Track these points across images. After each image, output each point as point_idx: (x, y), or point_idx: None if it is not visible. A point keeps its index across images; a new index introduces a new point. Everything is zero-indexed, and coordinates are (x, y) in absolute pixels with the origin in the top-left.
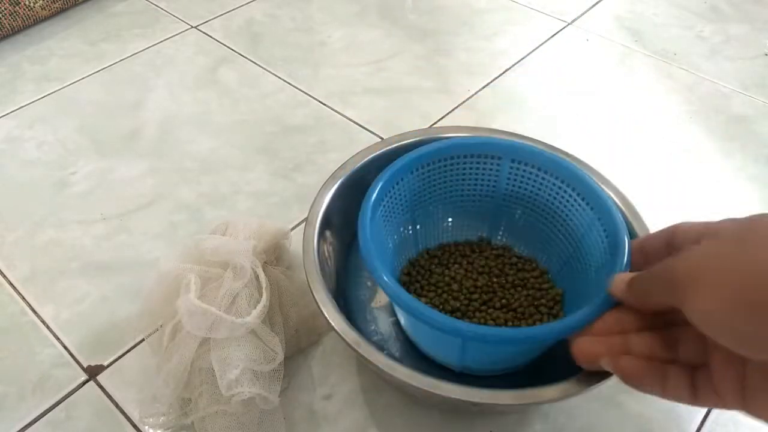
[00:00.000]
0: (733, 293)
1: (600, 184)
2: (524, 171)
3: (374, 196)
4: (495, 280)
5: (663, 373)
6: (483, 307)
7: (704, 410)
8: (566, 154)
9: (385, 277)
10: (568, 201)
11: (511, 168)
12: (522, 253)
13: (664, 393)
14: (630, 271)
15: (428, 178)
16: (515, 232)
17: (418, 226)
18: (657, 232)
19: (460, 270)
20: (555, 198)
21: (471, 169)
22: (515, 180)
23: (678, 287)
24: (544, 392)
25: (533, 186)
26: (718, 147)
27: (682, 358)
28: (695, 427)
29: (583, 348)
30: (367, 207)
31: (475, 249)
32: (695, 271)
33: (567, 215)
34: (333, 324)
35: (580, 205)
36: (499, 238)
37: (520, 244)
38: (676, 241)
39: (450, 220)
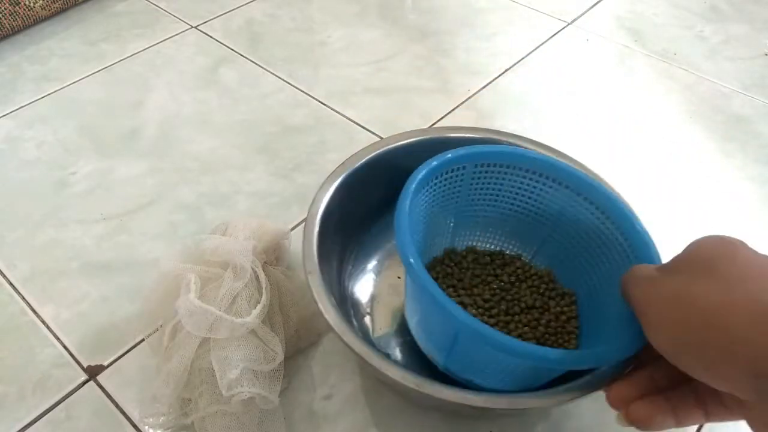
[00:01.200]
0: (674, 332)
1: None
2: (580, 205)
3: (422, 175)
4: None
5: (671, 405)
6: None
7: None
8: (575, 162)
9: (408, 252)
10: (604, 232)
11: (551, 187)
12: (557, 279)
13: (678, 423)
14: None
15: (475, 180)
16: (549, 255)
17: (451, 223)
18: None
19: (486, 277)
20: (591, 224)
21: (517, 181)
22: (571, 212)
23: (636, 310)
24: (541, 398)
25: (570, 208)
26: (718, 147)
27: (660, 386)
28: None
29: (617, 395)
30: (411, 184)
31: (514, 263)
32: (644, 303)
33: (602, 247)
34: (332, 324)
35: (617, 239)
36: (531, 258)
37: (555, 268)
38: None
39: (495, 230)
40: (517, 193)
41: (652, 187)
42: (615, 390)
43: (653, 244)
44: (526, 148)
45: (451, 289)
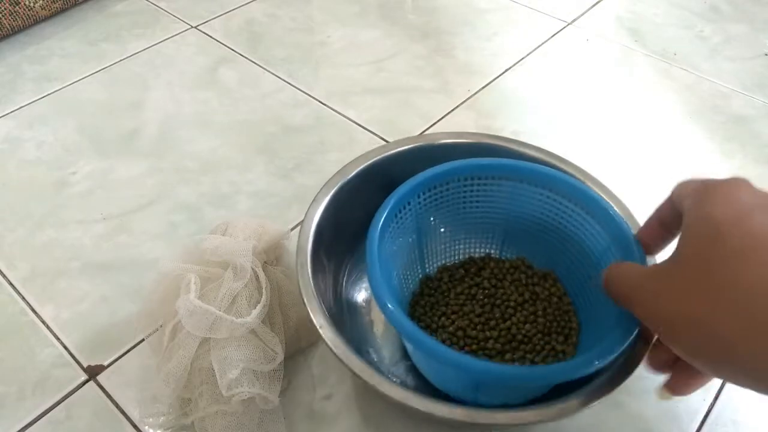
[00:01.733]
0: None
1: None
2: (533, 192)
3: (381, 222)
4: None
5: (683, 371)
6: (499, 336)
7: (704, 410)
8: (569, 164)
9: (396, 314)
10: (582, 225)
11: (520, 189)
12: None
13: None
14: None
15: (436, 200)
16: (515, 245)
17: (425, 249)
18: (663, 203)
19: (471, 288)
20: (569, 221)
21: (477, 191)
22: (524, 201)
23: (627, 305)
24: (540, 412)
25: (543, 208)
26: (718, 147)
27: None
28: (695, 427)
29: (658, 359)
30: (374, 235)
31: (486, 264)
32: (631, 300)
33: (582, 239)
34: (324, 336)
35: (595, 230)
36: (499, 253)
37: (526, 254)
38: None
39: (459, 240)
40: (464, 201)
41: (652, 188)
42: (653, 355)
43: (612, 208)
44: (510, 149)
45: (443, 319)
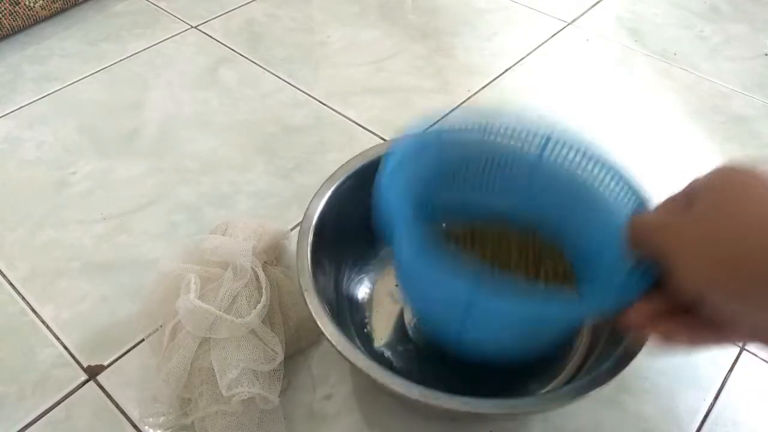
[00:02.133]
0: (713, 271)
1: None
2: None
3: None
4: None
5: (678, 324)
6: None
7: (703, 411)
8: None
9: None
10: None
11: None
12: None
13: (692, 342)
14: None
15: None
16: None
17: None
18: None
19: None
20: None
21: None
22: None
23: (663, 247)
24: (534, 402)
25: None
26: (718, 147)
27: (677, 308)
28: (695, 427)
29: (640, 319)
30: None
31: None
32: (674, 246)
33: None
34: (324, 331)
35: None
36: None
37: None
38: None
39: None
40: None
41: (652, 187)
42: (637, 308)
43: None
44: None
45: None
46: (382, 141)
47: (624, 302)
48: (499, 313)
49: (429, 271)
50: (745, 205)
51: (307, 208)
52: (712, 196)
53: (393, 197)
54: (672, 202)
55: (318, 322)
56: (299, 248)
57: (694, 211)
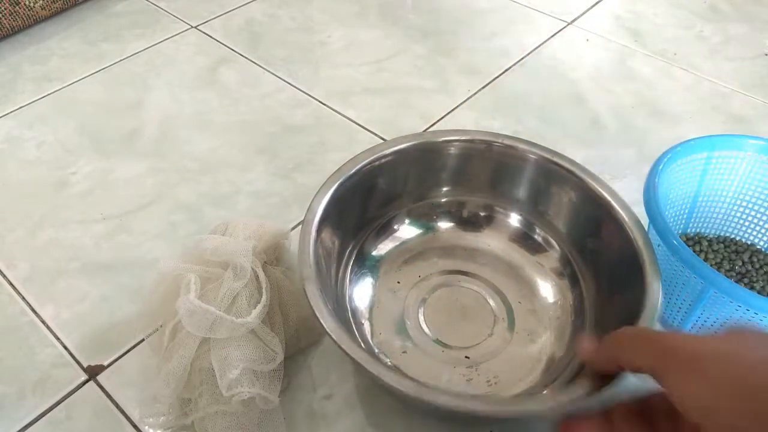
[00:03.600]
0: (735, 391)
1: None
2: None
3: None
4: None
5: None
6: None
7: None
8: (566, 159)
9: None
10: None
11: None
12: None
13: None
14: None
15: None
16: None
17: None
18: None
19: None
20: None
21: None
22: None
23: (666, 363)
24: (542, 403)
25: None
26: None
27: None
28: None
29: (568, 428)
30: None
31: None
32: (699, 354)
33: None
34: (328, 330)
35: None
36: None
37: None
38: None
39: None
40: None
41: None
42: (567, 424)
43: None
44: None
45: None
46: (383, 141)
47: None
48: None
49: None
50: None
51: (311, 202)
52: (749, 331)
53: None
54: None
55: (316, 312)
56: (302, 240)
57: (714, 339)
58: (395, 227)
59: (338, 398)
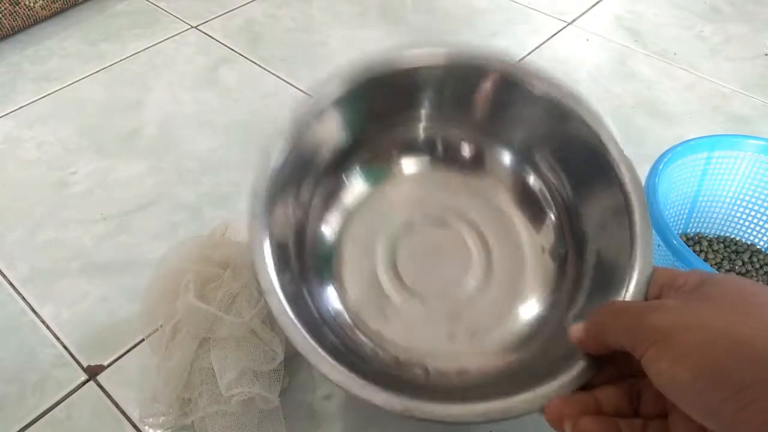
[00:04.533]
0: (704, 364)
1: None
2: None
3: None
4: None
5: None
6: None
7: None
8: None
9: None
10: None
11: None
12: None
13: None
14: None
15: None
16: None
17: None
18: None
19: None
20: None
21: None
22: None
23: (643, 340)
24: (530, 402)
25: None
26: None
27: (643, 412)
28: None
29: (557, 410)
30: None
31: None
32: (667, 330)
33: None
34: (305, 354)
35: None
36: None
37: None
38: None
39: None
40: None
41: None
42: (554, 404)
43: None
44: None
45: None
46: None
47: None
48: None
49: None
50: (756, 306)
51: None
52: (722, 286)
53: None
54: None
55: (288, 334)
56: (252, 247)
57: (687, 307)
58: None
59: (338, 398)
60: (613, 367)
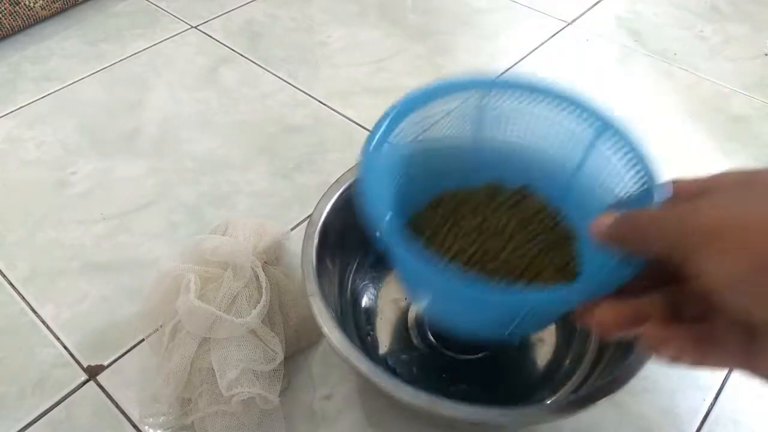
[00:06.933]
0: (760, 257)
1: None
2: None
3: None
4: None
5: (679, 336)
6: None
7: (703, 411)
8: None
9: (406, 250)
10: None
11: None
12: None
13: (678, 358)
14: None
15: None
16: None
17: (402, 196)
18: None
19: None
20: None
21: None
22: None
23: (687, 243)
24: (547, 413)
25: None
26: (718, 147)
27: (687, 316)
28: (695, 427)
29: (607, 318)
30: (369, 146)
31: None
32: (714, 228)
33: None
34: (337, 347)
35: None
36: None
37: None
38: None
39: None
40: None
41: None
42: (601, 312)
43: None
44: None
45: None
46: None
47: (592, 294)
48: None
49: (470, 295)
50: None
51: (313, 212)
52: (758, 178)
53: (378, 207)
54: (681, 188)
55: (323, 328)
56: (304, 253)
57: (737, 190)
58: None
59: (338, 398)
60: (649, 273)
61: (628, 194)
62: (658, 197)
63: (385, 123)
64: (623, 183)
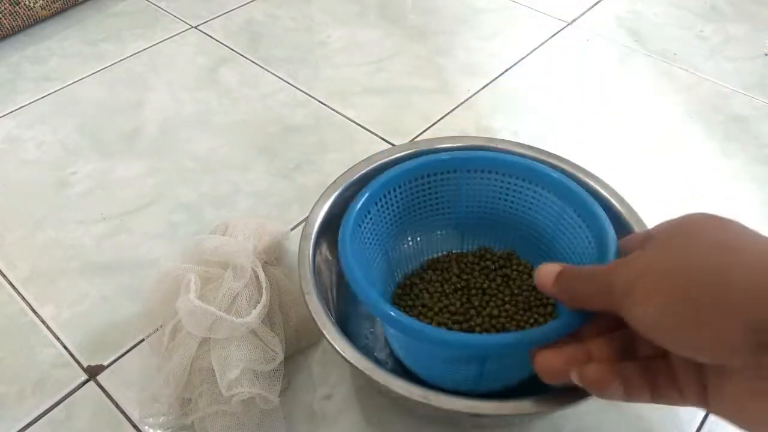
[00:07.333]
0: (665, 298)
1: (587, 181)
2: (483, 178)
3: (356, 210)
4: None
5: (625, 376)
6: (479, 315)
7: (703, 411)
8: (557, 158)
9: (373, 298)
10: (536, 200)
11: (469, 178)
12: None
13: (628, 396)
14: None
15: (391, 207)
16: (484, 238)
17: (390, 261)
18: (634, 235)
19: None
20: (522, 201)
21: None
22: (475, 190)
23: (615, 296)
24: (542, 404)
25: (494, 192)
26: (718, 147)
27: (641, 356)
28: (694, 428)
29: (548, 362)
30: (348, 222)
31: (450, 261)
32: (631, 280)
33: (535, 214)
34: (331, 340)
35: (548, 199)
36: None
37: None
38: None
39: (419, 244)
40: (417, 202)
41: (651, 188)
42: (545, 356)
43: (587, 194)
44: (505, 151)
45: (421, 318)
46: (383, 141)
47: (538, 340)
48: (511, 360)
49: (435, 344)
50: (702, 236)
51: (310, 214)
52: (670, 229)
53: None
54: (628, 242)
55: (319, 325)
56: (301, 252)
57: (653, 244)
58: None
59: (338, 398)
60: (602, 320)
61: (591, 255)
62: (611, 255)
63: (364, 197)
64: (587, 244)
